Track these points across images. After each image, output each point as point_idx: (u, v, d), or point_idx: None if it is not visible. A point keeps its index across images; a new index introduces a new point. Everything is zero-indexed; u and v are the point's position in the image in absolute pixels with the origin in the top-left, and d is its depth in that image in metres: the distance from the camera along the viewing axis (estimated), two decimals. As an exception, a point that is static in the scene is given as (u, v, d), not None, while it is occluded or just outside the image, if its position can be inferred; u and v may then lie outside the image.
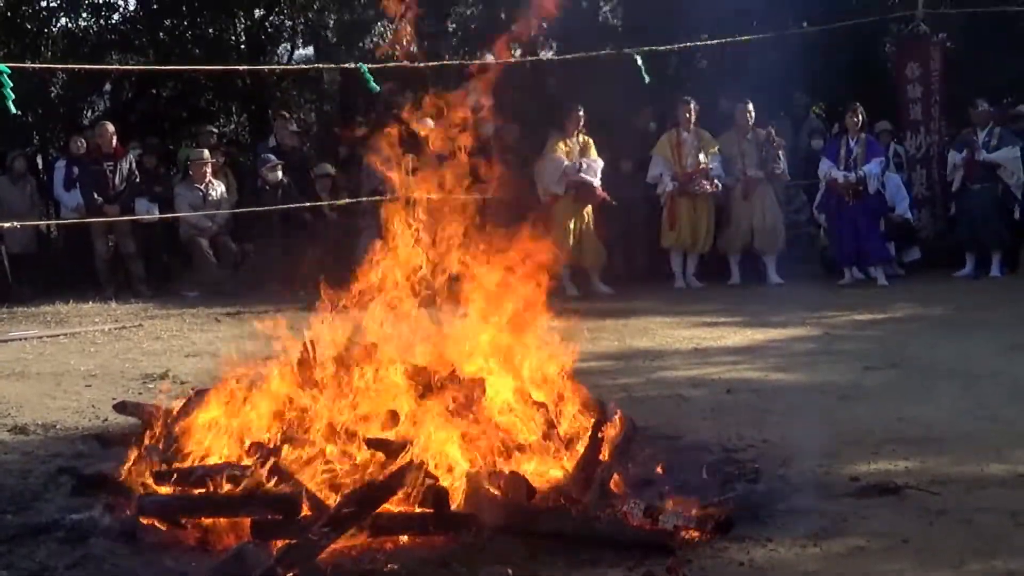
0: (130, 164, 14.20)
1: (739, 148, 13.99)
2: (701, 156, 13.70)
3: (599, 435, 5.35)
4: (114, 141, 14.20)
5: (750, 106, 14.08)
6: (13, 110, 10.86)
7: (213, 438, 5.53)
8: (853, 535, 4.84)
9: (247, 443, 5.39)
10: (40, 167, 16.70)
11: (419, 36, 17.91)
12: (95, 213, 13.62)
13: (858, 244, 13.60)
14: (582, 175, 13.28)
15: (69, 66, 15.66)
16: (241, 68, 14.70)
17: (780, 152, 14.09)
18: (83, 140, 14.41)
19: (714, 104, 15.06)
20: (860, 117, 13.72)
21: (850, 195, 13.45)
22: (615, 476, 5.21)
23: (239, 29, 17.81)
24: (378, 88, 12.35)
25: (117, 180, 14.00)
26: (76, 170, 14.11)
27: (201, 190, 13.99)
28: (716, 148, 13.92)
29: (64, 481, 5.69)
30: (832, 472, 5.68)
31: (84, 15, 17.74)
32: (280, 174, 14.00)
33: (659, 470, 5.61)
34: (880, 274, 13.54)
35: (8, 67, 10.82)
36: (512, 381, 5.85)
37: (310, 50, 18.57)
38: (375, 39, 17.85)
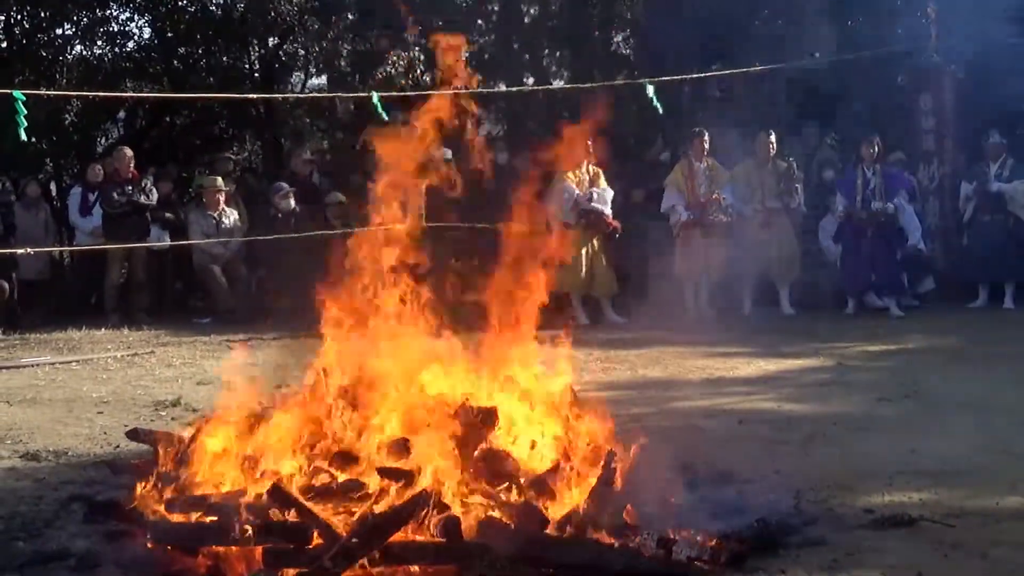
0: (146, 188, 14.25)
1: (759, 178, 13.98)
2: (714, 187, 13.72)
3: (612, 466, 5.34)
4: (131, 166, 14.27)
5: (772, 137, 14.09)
6: (24, 137, 10.94)
7: (225, 466, 5.53)
8: (867, 568, 4.82)
9: (259, 471, 5.39)
10: (54, 194, 16.76)
11: (432, 65, 18.03)
12: (115, 237, 13.66)
13: (874, 274, 13.59)
14: (593, 204, 13.29)
15: (83, 93, 15.73)
16: (255, 96, 14.78)
17: (798, 185, 14.11)
18: (101, 167, 14.47)
19: (724, 135, 15.07)
20: (876, 148, 13.74)
21: (873, 227, 13.43)
22: (628, 507, 5.19)
23: (253, 57, 17.90)
24: (387, 118, 12.40)
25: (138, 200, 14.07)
26: (92, 196, 14.17)
27: (214, 218, 14.03)
28: (728, 178, 13.93)
29: (76, 508, 5.69)
30: (846, 504, 5.67)
31: (99, 43, 17.83)
32: (292, 202, 14.04)
33: (672, 501, 5.59)
34: (893, 304, 13.51)
35: (23, 94, 10.90)
36: (525, 410, 5.85)
37: (323, 79, 18.62)
38: (388, 68, 17.91)
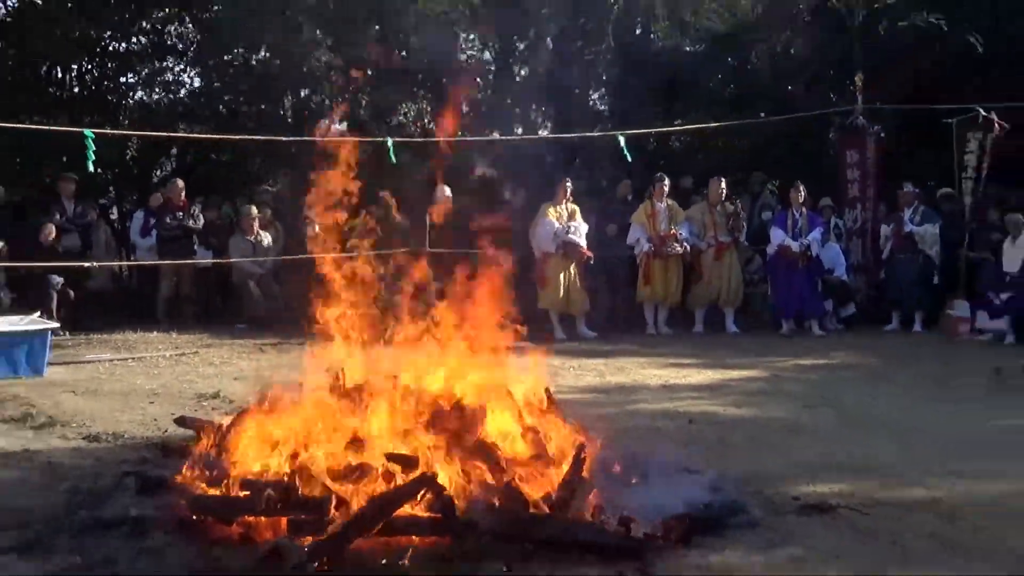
0: (194, 214, 14.28)
1: (711, 217, 14.01)
2: (672, 224, 13.77)
3: (582, 456, 5.37)
4: (182, 196, 14.28)
5: (723, 183, 14.14)
6: (92, 169, 11.00)
7: (256, 449, 5.56)
8: (794, 546, 4.86)
9: (285, 454, 5.42)
10: (115, 217, 16.74)
11: (437, 115, 18.09)
12: (168, 255, 13.70)
13: (799, 300, 13.66)
14: (570, 236, 13.31)
15: (142, 133, 15.72)
16: (287, 139, 14.78)
17: (743, 223, 14.21)
18: (160, 195, 14.48)
19: (678, 181, 15.11)
20: (802, 193, 13.83)
21: (804, 261, 13.51)
22: (594, 491, 5.23)
23: (286, 105, 17.90)
24: (395, 161, 12.42)
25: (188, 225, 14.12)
26: (152, 220, 14.19)
27: (251, 240, 14.02)
28: (684, 217, 13.96)
29: (130, 483, 5.69)
30: (778, 493, 5.70)
31: (156, 90, 17.83)
32: (317, 228, 13.99)
33: (632, 487, 5.62)
34: (815, 326, 13.57)
35: (93, 132, 10.94)
36: (509, 409, 5.88)
37: (344, 125, 18.61)
38: (401, 118, 17.97)
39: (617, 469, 5.76)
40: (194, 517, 4.96)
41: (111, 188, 17.28)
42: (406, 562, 4.52)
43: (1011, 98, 13.89)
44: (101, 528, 4.99)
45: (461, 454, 5.29)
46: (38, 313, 10.79)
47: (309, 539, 4.57)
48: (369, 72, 17.27)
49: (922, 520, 5.27)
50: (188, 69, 18.15)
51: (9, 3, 16.71)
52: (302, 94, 17.83)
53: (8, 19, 16.52)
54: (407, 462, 5.17)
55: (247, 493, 5.02)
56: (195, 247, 14.22)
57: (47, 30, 15.92)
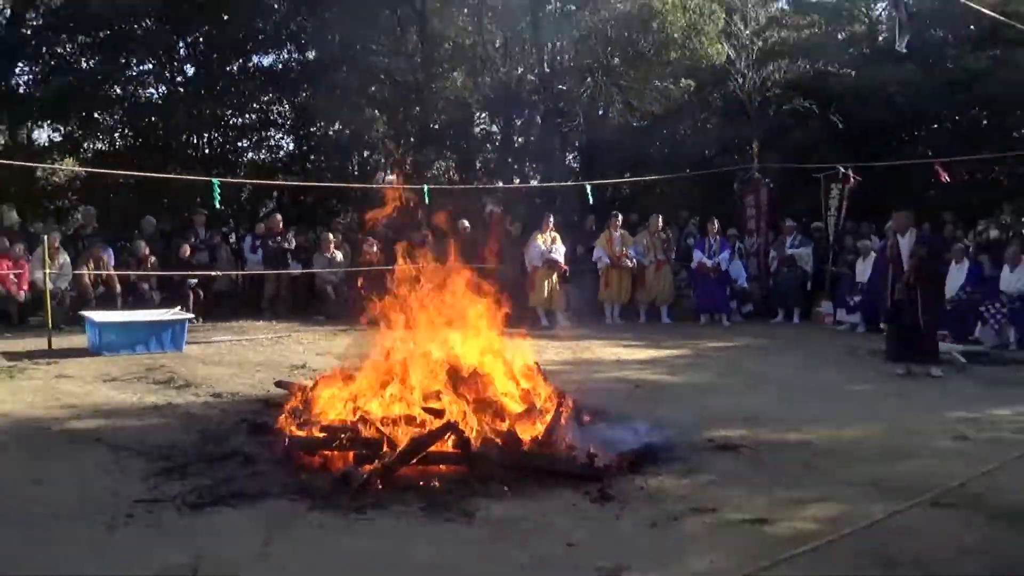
0: (288, 238, 14.23)
1: (652, 242, 13.96)
2: (624, 247, 13.76)
3: (560, 409, 5.38)
4: (280, 225, 14.24)
5: (660, 218, 14.12)
6: (217, 206, 11.11)
7: (332, 404, 5.56)
8: (708, 473, 4.87)
9: (352, 407, 5.42)
10: (233, 240, 16.70)
11: (459, 169, 18.10)
12: (269, 266, 13.67)
13: (713, 301, 13.64)
14: (552, 255, 13.30)
15: (252, 181, 15.74)
16: (355, 186, 14.77)
17: (674, 246, 14.23)
18: (265, 224, 14.43)
19: (628, 216, 15.07)
20: (716, 225, 13.82)
21: (716, 273, 13.53)
22: (569, 433, 5.23)
23: (353, 162, 17.87)
24: (429, 202, 12.43)
25: (284, 246, 14.08)
26: (258, 242, 14.14)
27: (328, 257, 13.96)
28: (632, 242, 13.93)
29: (243, 427, 5.71)
30: (697, 436, 5.70)
31: (263, 152, 17.79)
32: (376, 248, 13.98)
33: (596, 430, 5.62)
34: (724, 319, 13.53)
35: (218, 181, 11.01)
36: (508, 375, 5.88)
37: (394, 176, 18.58)
38: (434, 171, 17.95)
39: (585, 418, 5.77)
40: (288, 451, 4.97)
41: (231, 220, 17.21)
42: (436, 483, 4.54)
43: (861, 159, 13.94)
44: (223, 459, 5.02)
45: (475, 407, 5.30)
46: (179, 307, 10.79)
47: (369, 467, 4.57)
48: (411, 139, 17.30)
49: (799, 455, 5.28)
50: (285, 137, 18.16)
51: (161, 91, 16.77)
52: (364, 155, 17.83)
53: (160, 102, 16.57)
54: (437, 413, 5.18)
55: (325, 435, 5.02)
56: (289, 261, 14.16)
57: (186, 110, 15.96)
